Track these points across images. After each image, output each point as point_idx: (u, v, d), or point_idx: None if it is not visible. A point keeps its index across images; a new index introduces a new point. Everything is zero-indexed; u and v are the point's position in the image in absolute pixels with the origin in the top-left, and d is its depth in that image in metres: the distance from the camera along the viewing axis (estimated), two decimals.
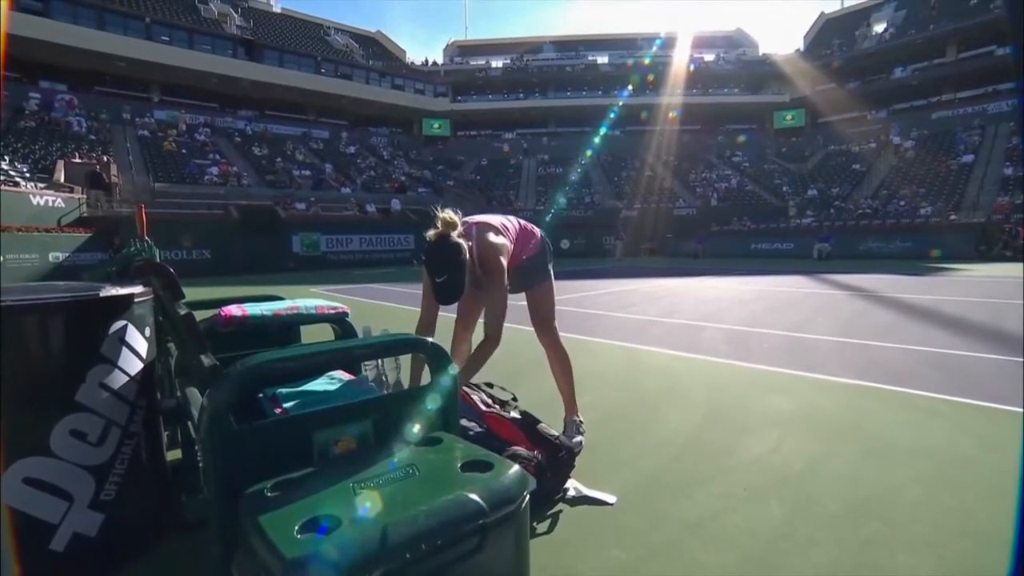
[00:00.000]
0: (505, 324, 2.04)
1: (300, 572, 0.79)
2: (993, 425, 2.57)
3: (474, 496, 0.97)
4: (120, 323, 1.61)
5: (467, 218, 2.15)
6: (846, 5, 37.24)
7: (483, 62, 39.20)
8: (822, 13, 38.08)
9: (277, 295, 2.37)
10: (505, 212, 2.36)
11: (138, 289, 1.70)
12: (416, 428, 1.29)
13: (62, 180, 16.42)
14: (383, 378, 2.45)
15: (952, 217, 19.65)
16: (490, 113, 36.62)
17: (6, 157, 16.24)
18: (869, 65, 31.48)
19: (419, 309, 2.15)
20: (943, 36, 28.14)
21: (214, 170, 22.37)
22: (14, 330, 1.42)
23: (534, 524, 1.72)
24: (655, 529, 1.72)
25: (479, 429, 1.91)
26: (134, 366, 1.65)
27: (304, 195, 22.19)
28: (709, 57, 36.87)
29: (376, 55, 36.50)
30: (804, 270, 13.38)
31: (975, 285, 9.11)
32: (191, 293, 1.66)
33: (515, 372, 3.46)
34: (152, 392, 1.76)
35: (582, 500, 1.90)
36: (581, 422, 2.40)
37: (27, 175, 15.67)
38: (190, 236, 16.25)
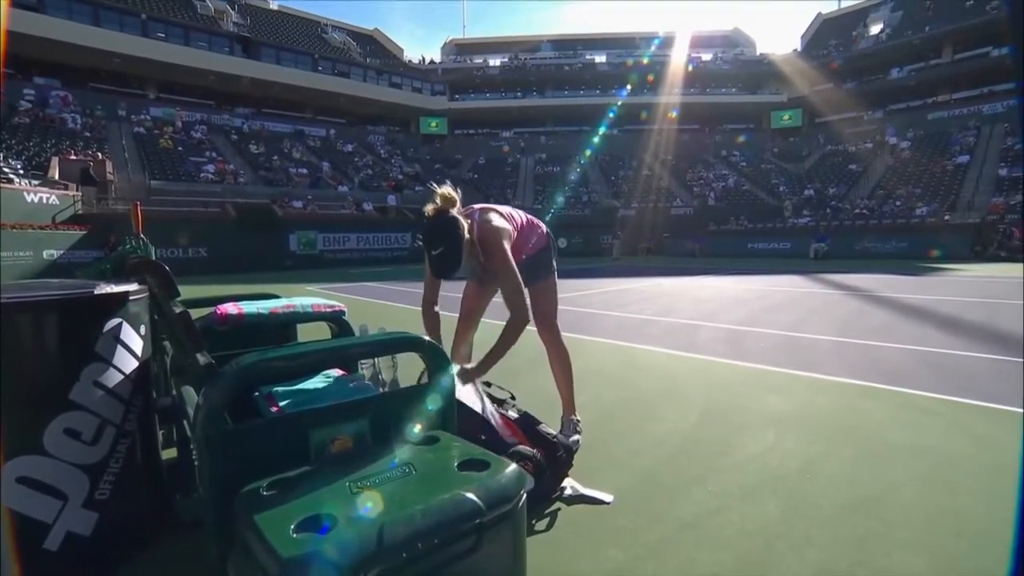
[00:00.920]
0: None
1: (296, 571, 0.79)
2: (989, 425, 2.58)
3: (471, 495, 0.97)
4: (115, 321, 1.60)
5: (472, 205, 2.15)
6: (843, 6, 37.37)
7: (481, 61, 39.13)
8: (819, 13, 38.17)
9: (273, 293, 2.36)
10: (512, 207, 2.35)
11: (133, 287, 1.69)
12: (413, 427, 1.29)
13: (57, 177, 16.32)
14: (379, 377, 2.44)
15: (947, 217, 19.74)
16: (488, 112, 36.58)
17: (0, 154, 16.13)
18: (866, 65, 31.58)
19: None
20: (939, 37, 28.26)
21: (210, 168, 22.27)
22: (8, 328, 1.41)
23: (531, 523, 1.72)
24: (652, 528, 1.73)
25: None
26: (129, 364, 1.64)
27: (301, 193, 22.13)
28: (707, 57, 36.92)
29: (374, 53, 36.39)
30: (801, 270, 13.42)
31: (971, 285, 9.15)
32: (187, 291, 1.65)
33: (513, 371, 3.45)
34: (147, 390, 1.75)
35: (579, 499, 1.90)
36: (579, 421, 2.39)
37: (21, 172, 15.57)
38: (186, 234, 16.20)
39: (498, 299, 2.21)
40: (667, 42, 36.16)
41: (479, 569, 0.97)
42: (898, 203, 22.51)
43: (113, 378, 1.58)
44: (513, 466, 1.08)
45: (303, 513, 0.90)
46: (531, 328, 2.36)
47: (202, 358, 1.38)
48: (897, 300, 7.29)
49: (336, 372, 1.75)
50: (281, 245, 18.31)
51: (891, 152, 27.37)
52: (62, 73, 24.69)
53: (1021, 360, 3.76)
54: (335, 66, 32.14)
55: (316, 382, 1.61)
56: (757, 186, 28.97)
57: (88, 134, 21.62)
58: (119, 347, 1.61)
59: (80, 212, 15.26)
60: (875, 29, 32.69)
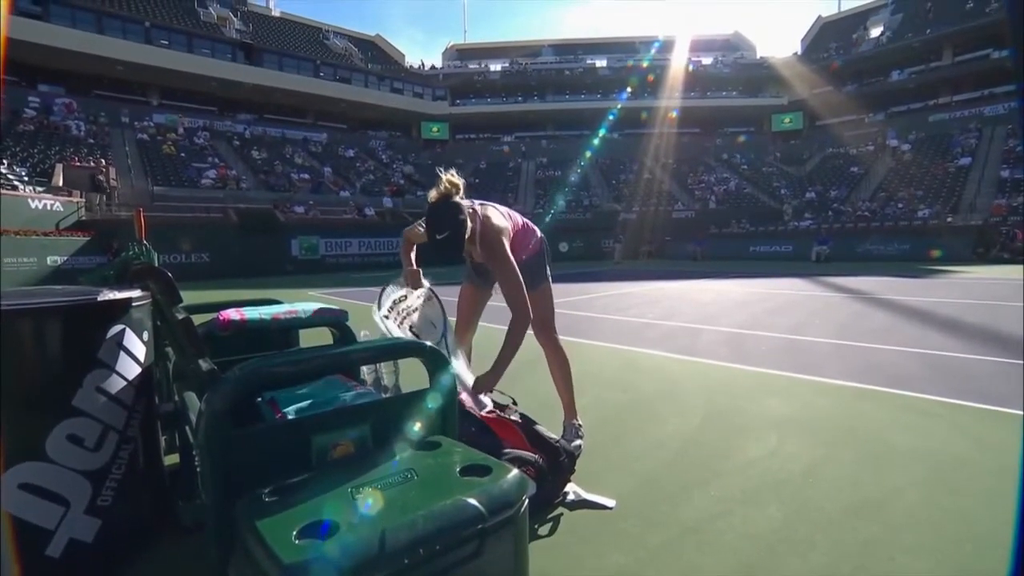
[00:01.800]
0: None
1: None
2: (991, 427, 2.58)
3: (473, 501, 0.97)
4: (118, 327, 1.61)
5: (473, 200, 2.14)
6: (843, 9, 37.50)
7: (482, 66, 39.27)
8: (819, 16, 38.28)
9: (276, 299, 2.37)
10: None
11: (136, 293, 1.70)
12: (414, 432, 1.29)
13: (61, 184, 16.40)
14: (381, 382, 2.44)
15: (949, 219, 19.71)
16: (489, 116, 36.66)
17: (4, 161, 16.22)
18: (866, 68, 31.61)
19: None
20: (939, 39, 28.29)
21: (212, 173, 22.35)
22: (11, 334, 1.42)
23: (533, 528, 1.72)
24: (654, 532, 1.72)
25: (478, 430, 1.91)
26: (132, 371, 1.65)
27: (303, 198, 22.18)
28: (707, 60, 37.00)
29: (375, 59, 36.56)
30: (802, 272, 13.40)
31: (972, 287, 9.13)
32: (189, 297, 1.66)
33: (511, 374, 3.45)
34: (150, 396, 1.76)
35: (581, 504, 1.90)
36: (580, 425, 2.39)
37: (25, 179, 15.65)
38: (189, 240, 16.24)
39: (495, 301, 2.21)
40: (667, 46, 36.25)
41: (481, 574, 0.97)
42: (900, 205, 22.49)
43: (116, 384, 1.59)
44: (515, 471, 1.08)
45: (305, 519, 0.91)
46: (528, 332, 2.37)
47: (204, 364, 1.38)
48: (898, 302, 7.28)
49: (338, 377, 1.75)
50: (283, 250, 18.34)
51: (892, 154, 27.36)
52: (66, 80, 24.85)
53: (1022, 362, 3.75)
54: (337, 72, 32.29)
55: (318, 387, 1.62)
56: (758, 189, 28.96)
57: (92, 141, 21.72)
58: (122, 353, 1.62)
59: (84, 218, 15.32)
60: (875, 32, 32.75)
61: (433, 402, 1.35)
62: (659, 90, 33.13)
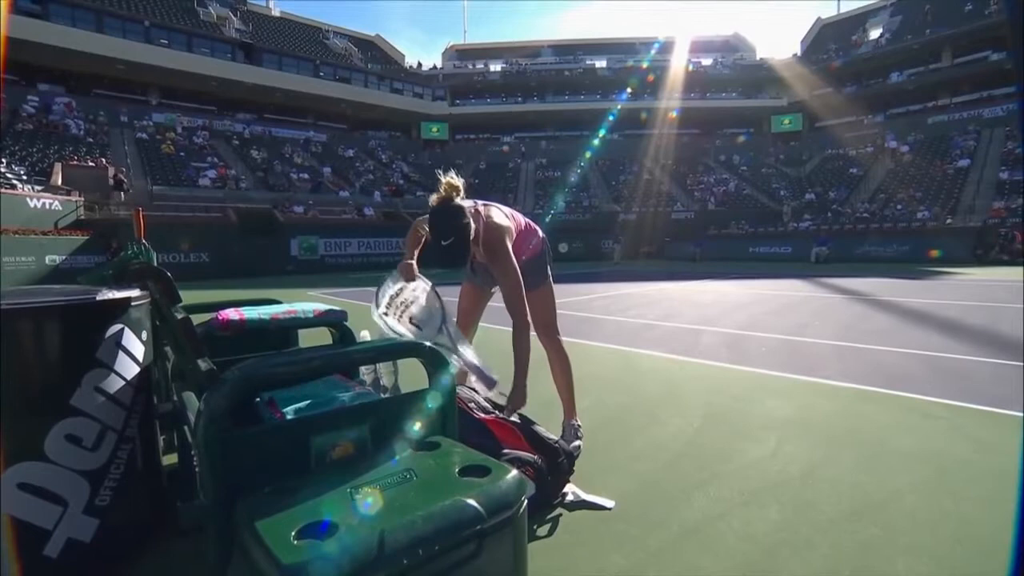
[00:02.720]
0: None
1: None
2: (991, 429, 2.57)
3: (472, 501, 0.97)
4: (117, 327, 1.61)
5: (475, 200, 2.12)
6: (843, 10, 37.55)
7: (482, 66, 39.29)
8: (819, 18, 38.35)
9: (275, 299, 2.36)
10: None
11: (135, 293, 1.69)
12: (414, 432, 1.29)
13: (60, 183, 16.38)
14: (380, 382, 2.44)
15: (948, 221, 19.75)
16: (488, 117, 36.69)
17: (3, 160, 16.20)
18: (866, 70, 31.68)
19: None
20: (938, 41, 28.35)
21: (212, 173, 22.34)
22: (9, 334, 1.41)
23: (532, 529, 1.71)
24: (653, 534, 1.72)
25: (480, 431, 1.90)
26: (131, 370, 1.64)
27: (302, 198, 22.17)
28: (707, 61, 37.05)
29: (375, 59, 36.57)
30: (802, 274, 13.41)
31: (972, 289, 9.14)
32: (188, 296, 1.66)
33: (510, 376, 3.44)
34: (149, 396, 1.76)
35: (580, 505, 1.90)
36: (580, 426, 2.39)
37: (24, 178, 15.63)
38: (188, 239, 16.21)
39: (495, 302, 2.20)
40: (667, 47, 36.31)
41: (480, 575, 0.97)
42: (899, 207, 22.52)
43: (114, 384, 1.58)
44: (514, 472, 1.08)
45: (304, 519, 0.90)
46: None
47: (203, 364, 1.38)
48: (898, 304, 7.28)
49: (337, 378, 1.75)
50: (282, 250, 18.32)
51: (891, 156, 27.40)
52: (66, 80, 24.86)
53: (1022, 364, 3.75)
54: (336, 72, 32.31)
55: (317, 387, 1.61)
56: (758, 190, 28.99)
57: (91, 140, 21.72)
58: (121, 353, 1.61)
59: (82, 218, 15.30)
60: (874, 34, 32.80)
61: (432, 402, 1.35)
62: (659, 91, 33.19)
